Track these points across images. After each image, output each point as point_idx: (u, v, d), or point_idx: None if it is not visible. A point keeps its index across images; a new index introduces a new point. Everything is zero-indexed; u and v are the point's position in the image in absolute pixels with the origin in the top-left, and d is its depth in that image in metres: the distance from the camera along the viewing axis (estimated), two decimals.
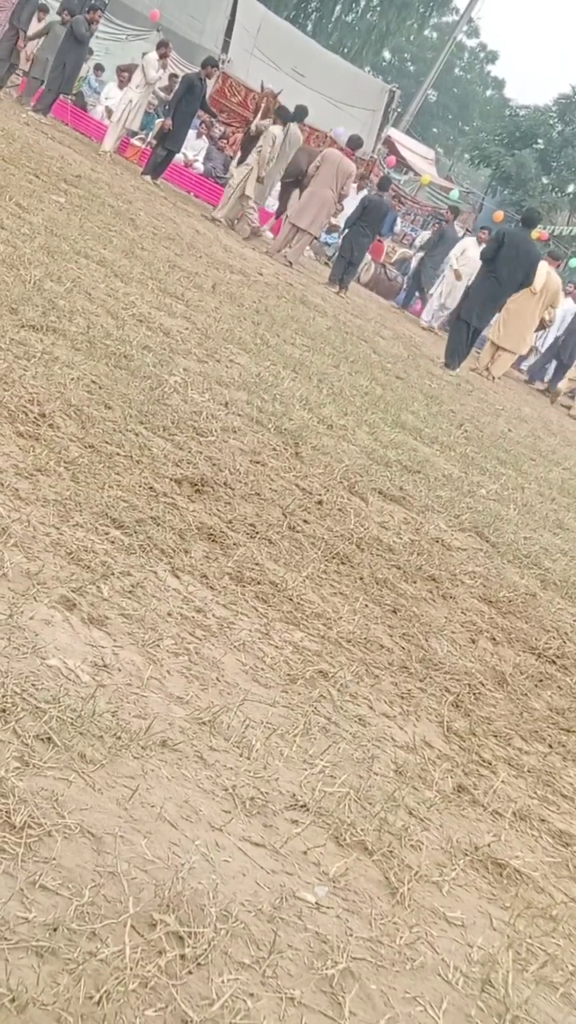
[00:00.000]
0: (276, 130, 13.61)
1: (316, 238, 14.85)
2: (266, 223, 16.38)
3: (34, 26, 15.87)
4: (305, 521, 3.55)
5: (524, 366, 18.67)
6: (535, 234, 12.71)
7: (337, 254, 14.68)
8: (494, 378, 13.53)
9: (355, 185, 16.52)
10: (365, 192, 17.00)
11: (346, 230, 14.67)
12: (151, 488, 3.14)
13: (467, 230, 18.59)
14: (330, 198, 13.71)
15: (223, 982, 1.51)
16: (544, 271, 13.38)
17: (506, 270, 11.14)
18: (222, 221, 13.66)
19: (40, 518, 2.60)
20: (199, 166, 18.31)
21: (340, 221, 17.74)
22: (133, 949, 1.48)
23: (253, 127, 13.84)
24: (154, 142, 14.74)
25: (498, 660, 3.27)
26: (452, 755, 2.54)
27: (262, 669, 2.48)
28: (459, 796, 2.37)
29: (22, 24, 14.65)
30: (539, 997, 1.84)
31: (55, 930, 1.45)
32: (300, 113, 14.28)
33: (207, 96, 14.50)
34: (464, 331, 11.37)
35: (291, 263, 13.47)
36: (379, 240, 18.92)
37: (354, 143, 15.19)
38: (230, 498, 3.40)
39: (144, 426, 3.64)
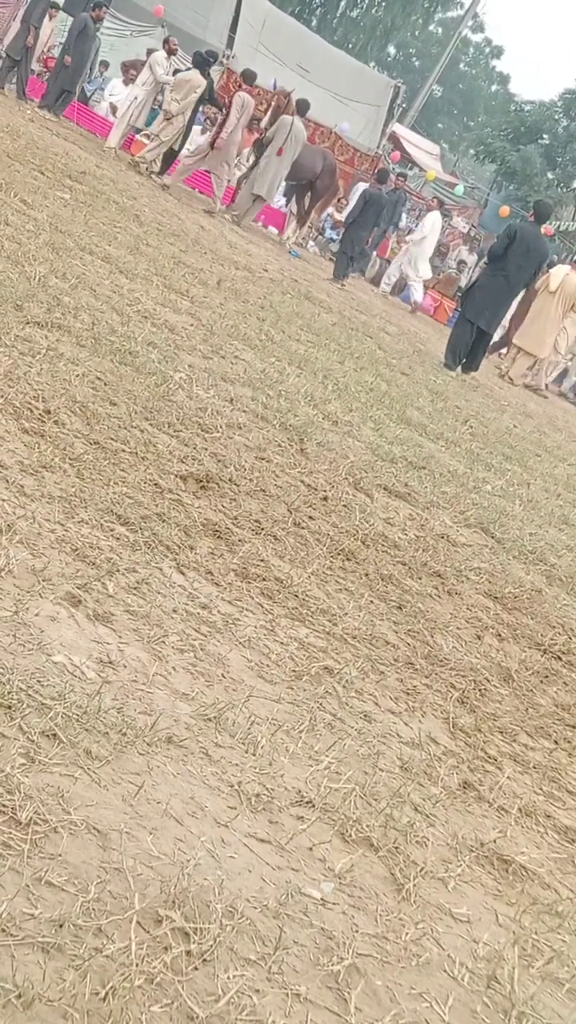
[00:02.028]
0: (288, 119, 13.65)
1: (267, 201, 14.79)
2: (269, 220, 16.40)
3: (46, 25, 15.86)
4: (310, 517, 3.55)
5: (567, 387, 18.18)
6: (541, 229, 12.52)
7: (340, 250, 14.64)
8: (511, 380, 13.49)
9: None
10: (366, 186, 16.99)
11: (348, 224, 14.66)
12: (156, 484, 3.14)
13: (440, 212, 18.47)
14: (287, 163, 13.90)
15: (229, 978, 1.51)
16: (562, 273, 13.34)
17: (515, 267, 10.67)
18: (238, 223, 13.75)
19: (45, 515, 2.60)
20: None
21: (343, 216, 17.74)
22: (139, 945, 1.48)
23: (269, 134, 13.82)
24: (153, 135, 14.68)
25: (503, 656, 3.26)
26: (457, 751, 2.54)
27: (267, 665, 2.48)
28: (465, 792, 2.37)
29: (34, 21, 14.59)
30: (545, 993, 1.84)
31: (61, 926, 1.45)
32: (304, 106, 14.28)
33: (215, 90, 14.45)
34: (468, 331, 10.87)
35: (239, 223, 13.56)
36: (386, 238, 18.88)
37: (248, 78, 15.00)
38: (235, 494, 3.40)
39: (149, 422, 3.64)
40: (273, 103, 14.12)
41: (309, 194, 15.47)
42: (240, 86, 15.09)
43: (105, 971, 1.42)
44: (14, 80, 14.96)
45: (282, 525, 3.35)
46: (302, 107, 14.23)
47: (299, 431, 4.49)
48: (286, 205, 17.02)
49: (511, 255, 10.65)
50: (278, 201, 17.56)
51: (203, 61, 13.73)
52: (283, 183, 15.11)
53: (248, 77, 15.13)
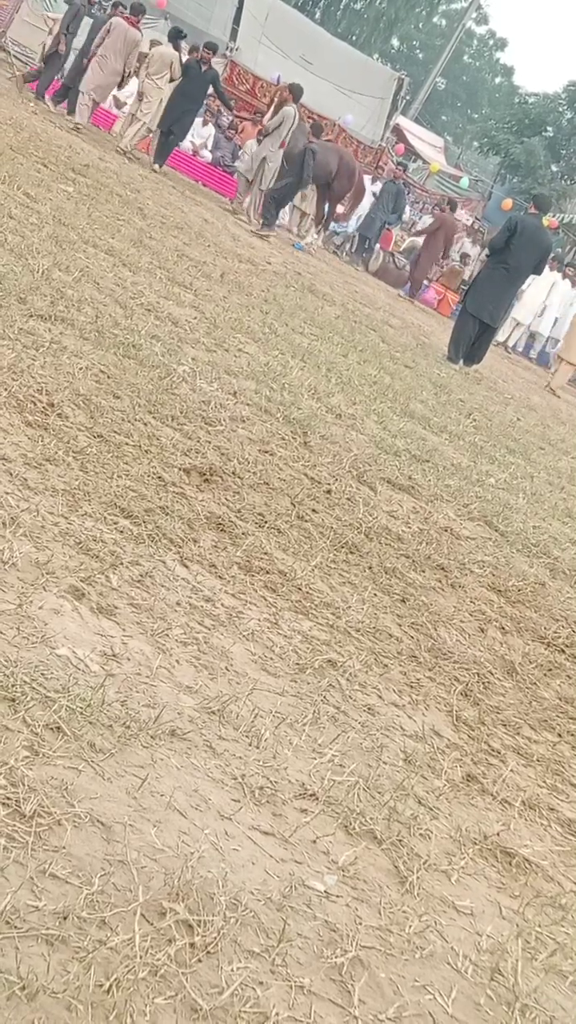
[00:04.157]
0: (291, 110, 13.47)
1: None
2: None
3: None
4: (314, 510, 3.55)
5: None
6: (545, 221, 12.44)
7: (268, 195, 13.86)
8: (553, 391, 13.55)
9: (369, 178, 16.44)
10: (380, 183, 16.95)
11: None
12: (160, 478, 3.14)
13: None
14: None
15: (233, 970, 1.52)
16: None
17: (517, 260, 10.55)
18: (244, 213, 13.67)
19: (49, 508, 2.60)
20: (206, 154, 18.22)
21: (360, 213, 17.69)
22: (143, 937, 1.49)
23: (272, 125, 13.64)
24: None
25: (507, 649, 3.26)
26: (461, 744, 2.54)
27: (271, 658, 2.48)
28: (468, 785, 2.37)
29: (69, 29, 14.46)
30: (548, 986, 1.84)
31: (65, 918, 1.46)
32: (299, 92, 13.89)
33: (222, 87, 14.31)
34: (470, 324, 10.76)
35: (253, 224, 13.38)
36: (388, 229, 18.81)
37: (136, 10, 14.19)
38: (239, 487, 3.39)
39: (153, 415, 3.64)
40: (276, 98, 13.93)
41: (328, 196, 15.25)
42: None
43: (109, 963, 1.42)
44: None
45: (286, 518, 3.35)
46: (297, 93, 13.87)
47: (302, 424, 4.48)
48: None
49: (512, 247, 10.53)
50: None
51: (176, 34, 13.67)
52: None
53: (296, 92, 13.91)
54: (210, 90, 14.40)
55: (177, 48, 13.71)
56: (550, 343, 19.41)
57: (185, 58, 13.92)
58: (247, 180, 14.14)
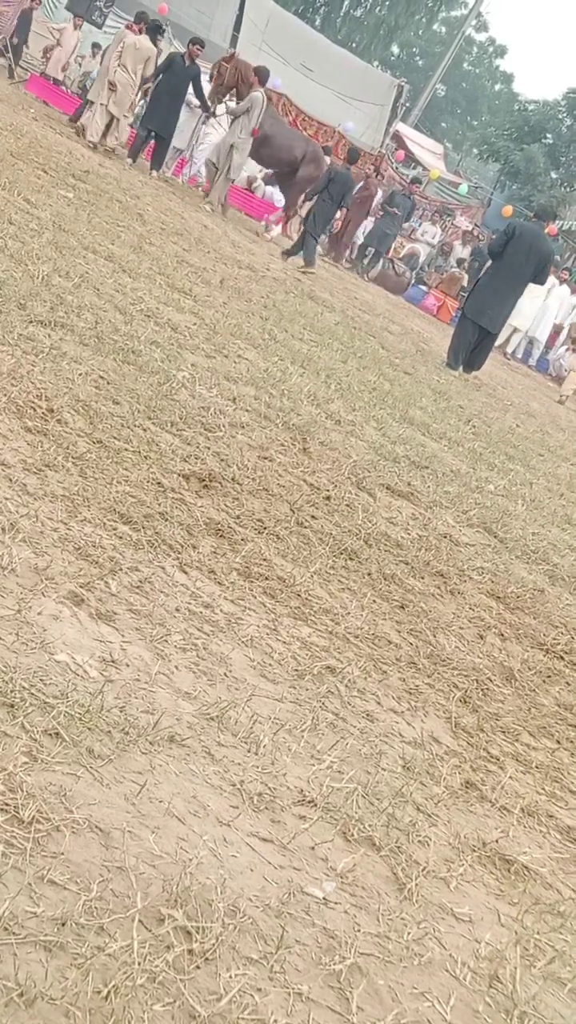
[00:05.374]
0: (259, 95, 12.94)
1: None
2: (272, 214, 16.26)
3: (72, 34, 15.91)
4: (313, 517, 3.55)
5: None
6: (545, 229, 12.43)
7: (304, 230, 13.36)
8: (563, 399, 13.59)
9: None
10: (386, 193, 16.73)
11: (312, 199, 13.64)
12: (159, 484, 3.14)
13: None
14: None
15: (231, 977, 1.51)
16: None
17: (516, 266, 10.55)
18: (216, 206, 13.24)
19: (48, 513, 2.60)
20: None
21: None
22: (141, 944, 1.49)
23: (240, 109, 12.97)
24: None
25: (506, 656, 3.26)
26: (460, 751, 2.54)
27: (270, 665, 2.48)
28: (467, 792, 2.37)
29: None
30: (547, 993, 1.84)
31: (63, 925, 1.46)
32: (265, 74, 13.42)
33: (202, 85, 13.62)
34: (469, 330, 10.77)
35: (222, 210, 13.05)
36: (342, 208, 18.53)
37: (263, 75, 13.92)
38: (238, 494, 3.40)
39: (152, 421, 3.64)
40: (239, 78, 13.09)
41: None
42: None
43: (107, 970, 1.42)
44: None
45: (285, 524, 3.35)
46: (264, 76, 13.33)
47: (302, 430, 4.49)
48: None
49: (511, 253, 10.51)
50: (271, 193, 17.41)
51: (155, 28, 13.46)
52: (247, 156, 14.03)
53: (263, 75, 13.50)
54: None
55: (155, 42, 13.39)
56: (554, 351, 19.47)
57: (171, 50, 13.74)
58: (215, 167, 13.55)
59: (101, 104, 13.15)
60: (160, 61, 13.49)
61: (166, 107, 13.62)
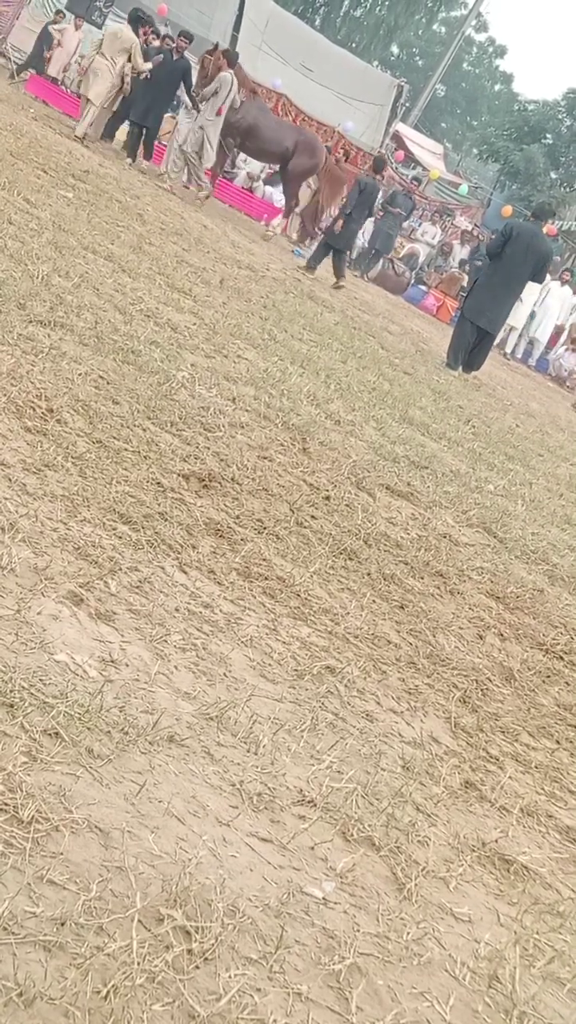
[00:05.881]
0: (228, 76, 12.98)
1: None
2: (275, 218, 16.21)
3: (73, 34, 15.93)
4: (312, 517, 3.55)
5: None
6: (544, 228, 12.41)
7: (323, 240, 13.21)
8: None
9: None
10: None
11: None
12: (159, 484, 3.14)
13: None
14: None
15: (230, 977, 1.51)
16: None
17: (513, 266, 10.52)
18: (167, 175, 13.18)
19: (48, 513, 2.60)
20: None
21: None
22: (140, 944, 1.49)
23: (207, 94, 13.00)
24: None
25: (505, 656, 3.26)
26: (459, 751, 2.54)
27: (269, 665, 2.48)
28: (466, 792, 2.37)
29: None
30: (546, 993, 1.84)
31: (62, 925, 1.46)
32: (233, 58, 13.46)
33: (191, 80, 13.58)
34: (468, 330, 10.75)
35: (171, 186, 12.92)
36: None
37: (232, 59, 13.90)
38: (237, 494, 3.40)
39: (152, 421, 3.64)
40: (211, 67, 13.13)
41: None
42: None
43: (106, 969, 1.42)
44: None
45: (284, 524, 3.35)
46: (232, 59, 13.39)
47: (301, 430, 4.49)
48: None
49: (510, 253, 10.47)
50: (271, 193, 17.35)
51: (136, 19, 13.46)
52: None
53: (231, 58, 13.60)
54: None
55: (136, 32, 13.35)
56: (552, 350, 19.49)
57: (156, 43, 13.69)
58: (183, 151, 13.45)
59: (83, 95, 13.24)
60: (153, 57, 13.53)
61: (151, 98, 13.66)
